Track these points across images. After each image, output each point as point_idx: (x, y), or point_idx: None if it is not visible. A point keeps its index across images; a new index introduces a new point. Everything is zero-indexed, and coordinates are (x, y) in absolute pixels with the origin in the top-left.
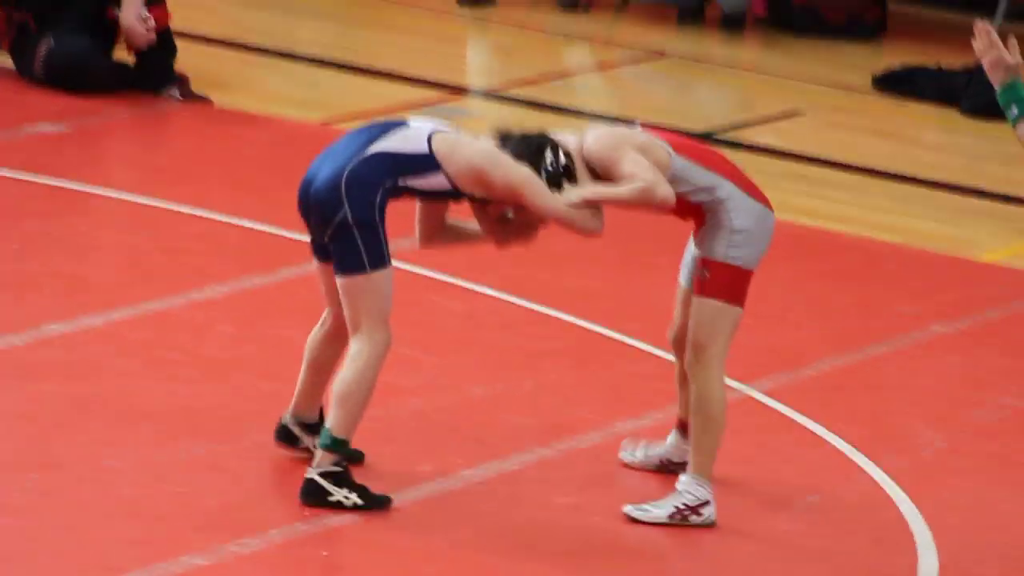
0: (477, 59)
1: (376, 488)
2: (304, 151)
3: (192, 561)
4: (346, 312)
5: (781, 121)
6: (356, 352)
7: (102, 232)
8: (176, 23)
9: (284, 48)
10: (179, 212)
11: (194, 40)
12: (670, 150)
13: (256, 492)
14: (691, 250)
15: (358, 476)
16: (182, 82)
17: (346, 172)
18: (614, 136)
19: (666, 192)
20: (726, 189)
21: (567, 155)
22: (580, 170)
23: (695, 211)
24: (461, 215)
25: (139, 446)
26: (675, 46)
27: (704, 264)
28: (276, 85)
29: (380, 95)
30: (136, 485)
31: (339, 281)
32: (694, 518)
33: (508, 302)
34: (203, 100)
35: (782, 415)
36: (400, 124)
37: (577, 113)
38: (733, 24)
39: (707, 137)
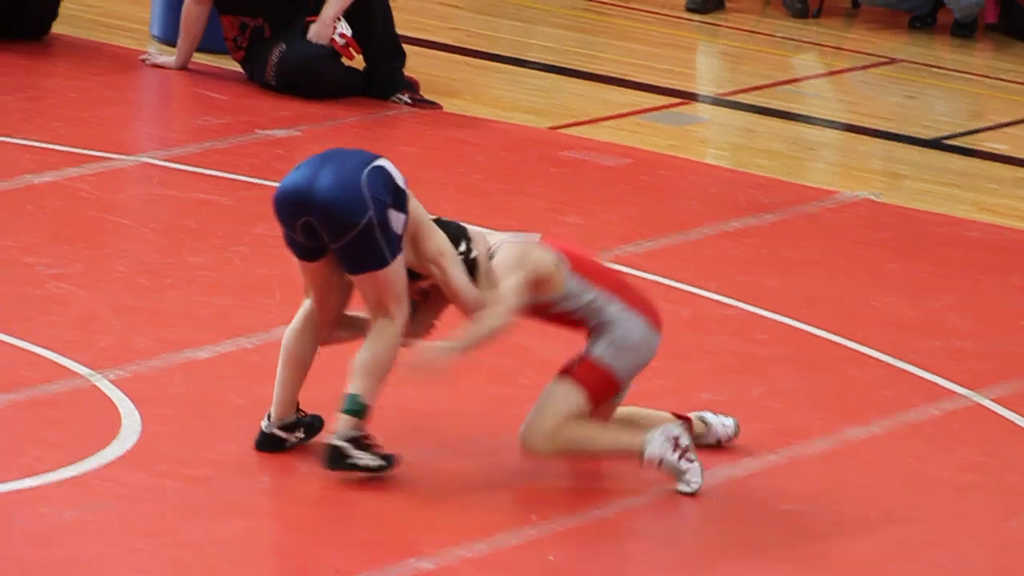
0: (706, 65)
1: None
2: (532, 156)
3: (420, 564)
4: (368, 299)
5: (1013, 127)
6: (382, 327)
7: None
8: (406, 29)
9: (514, 55)
10: None
11: (424, 46)
12: (566, 270)
13: (484, 496)
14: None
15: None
16: (412, 88)
17: (364, 178)
18: (519, 260)
19: (507, 325)
20: (614, 309)
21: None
22: (482, 271)
23: (581, 326)
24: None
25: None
26: (906, 52)
27: (582, 359)
28: (506, 91)
29: (609, 101)
30: (365, 488)
31: (360, 278)
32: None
33: (736, 307)
34: (432, 105)
35: (1011, 423)
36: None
37: (806, 119)
38: (965, 30)
39: (937, 143)
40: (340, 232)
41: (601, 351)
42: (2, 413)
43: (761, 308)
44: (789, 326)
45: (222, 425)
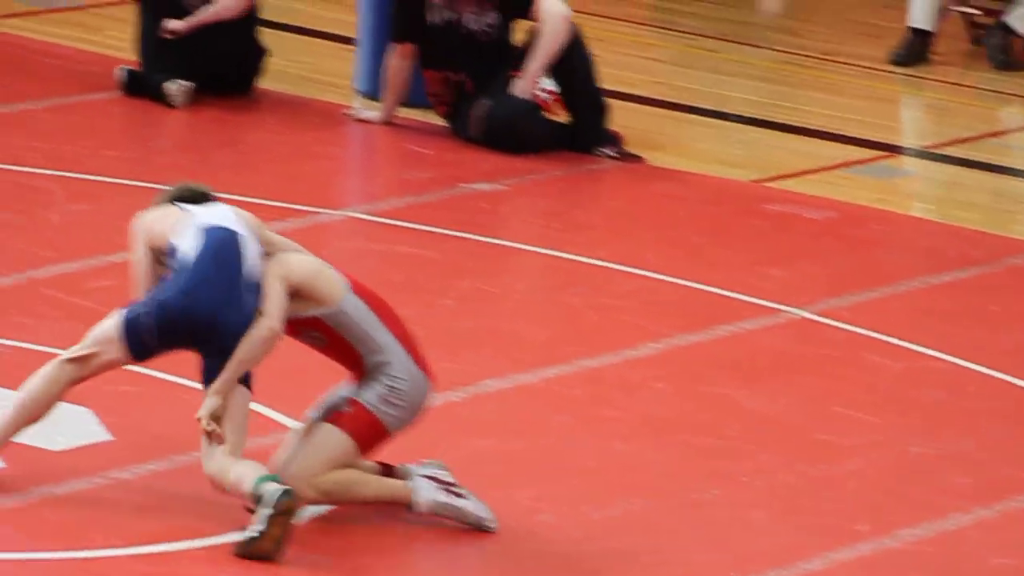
0: (911, 118)
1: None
2: (735, 209)
3: None
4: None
5: None
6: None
7: (535, 290)
8: (609, 83)
9: (717, 107)
10: (612, 269)
11: (627, 99)
12: (344, 287)
13: (686, 548)
14: (338, 392)
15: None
16: (615, 141)
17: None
18: (279, 264)
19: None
20: (395, 350)
21: None
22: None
23: (356, 362)
24: None
25: (575, 503)
26: None
27: (351, 403)
28: (709, 144)
29: (811, 154)
30: (570, 542)
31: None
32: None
33: (944, 360)
34: (635, 159)
35: None
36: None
37: (1013, 172)
38: None
39: None
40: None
41: (375, 399)
42: (184, 475)
43: (969, 361)
44: (998, 379)
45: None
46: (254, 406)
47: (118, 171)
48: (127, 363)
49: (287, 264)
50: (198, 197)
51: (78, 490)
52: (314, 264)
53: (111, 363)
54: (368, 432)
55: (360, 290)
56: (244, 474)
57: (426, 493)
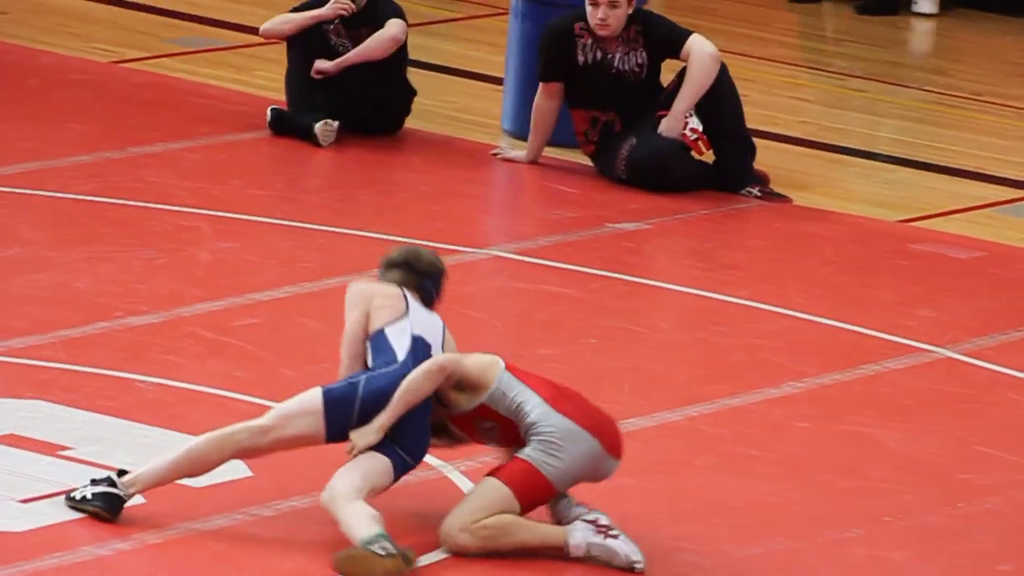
0: None
1: None
2: (882, 249)
3: None
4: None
5: None
6: None
7: (680, 329)
8: (756, 123)
9: (865, 147)
10: (756, 309)
11: (774, 139)
12: (501, 367)
13: None
14: None
15: None
16: (761, 181)
17: None
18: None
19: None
20: (537, 407)
21: None
22: None
23: (515, 433)
24: None
25: (718, 542)
26: None
27: (512, 459)
28: (856, 184)
29: (959, 194)
30: None
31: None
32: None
33: None
34: (782, 199)
35: None
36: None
37: None
38: None
39: None
40: None
41: (531, 450)
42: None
43: None
44: None
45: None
46: None
47: (265, 210)
48: (316, 441)
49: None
50: (423, 274)
51: (219, 526)
52: (485, 357)
53: (295, 439)
54: (525, 481)
55: (508, 365)
56: (360, 524)
57: (581, 535)
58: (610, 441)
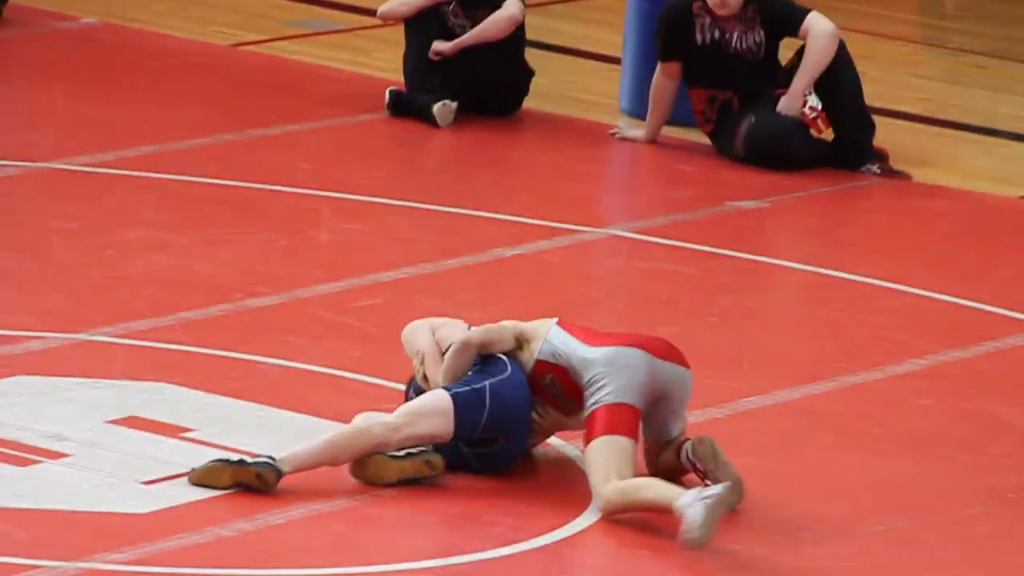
0: None
1: None
2: (1003, 226)
3: None
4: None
5: None
6: None
7: (799, 306)
8: (875, 100)
9: (985, 124)
10: (876, 286)
11: (894, 116)
12: (554, 324)
13: (952, 565)
14: None
15: None
16: (881, 158)
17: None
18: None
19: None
20: (585, 354)
21: None
22: None
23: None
24: None
25: (838, 520)
26: None
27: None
28: (976, 161)
29: None
30: (835, 558)
31: None
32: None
33: None
34: (902, 175)
35: None
36: None
37: None
38: None
39: None
40: None
41: (594, 396)
42: (479, 482)
43: None
44: None
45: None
46: None
47: (384, 191)
48: (442, 438)
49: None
50: None
51: (340, 507)
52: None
53: (424, 436)
54: (608, 420)
55: (561, 322)
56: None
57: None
58: (653, 347)
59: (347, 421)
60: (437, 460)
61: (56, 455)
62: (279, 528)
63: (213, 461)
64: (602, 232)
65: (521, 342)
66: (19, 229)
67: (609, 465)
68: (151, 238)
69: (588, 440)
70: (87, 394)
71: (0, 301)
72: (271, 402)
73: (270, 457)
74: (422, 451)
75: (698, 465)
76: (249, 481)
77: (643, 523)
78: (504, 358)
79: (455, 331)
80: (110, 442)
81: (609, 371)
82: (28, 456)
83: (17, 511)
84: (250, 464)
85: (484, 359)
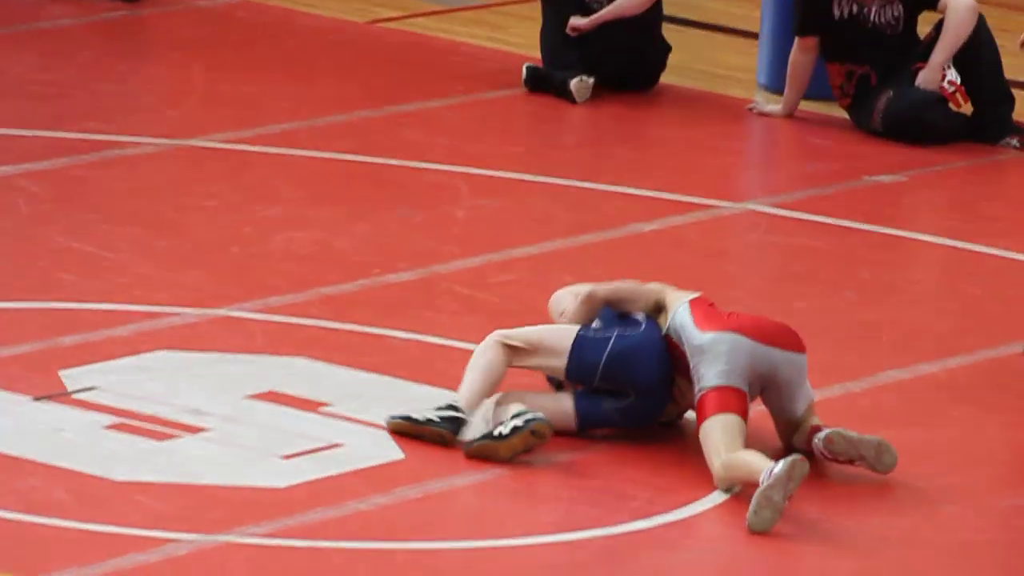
0: None
1: None
2: None
3: None
4: None
5: None
6: None
7: (938, 280)
8: (1016, 73)
9: None
10: (1016, 260)
11: None
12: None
13: None
14: None
15: None
16: (1021, 132)
17: None
18: None
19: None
20: (697, 337)
21: None
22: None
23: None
24: None
25: (979, 493)
26: None
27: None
28: None
29: None
30: (975, 530)
31: None
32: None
33: None
34: None
35: None
36: None
37: None
38: None
39: None
40: None
41: (695, 381)
42: (613, 456)
43: None
44: None
45: (824, 469)
46: None
47: (521, 167)
48: (558, 373)
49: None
50: None
51: (477, 481)
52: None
53: (541, 366)
54: (722, 399)
55: (699, 300)
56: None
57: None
58: (757, 332)
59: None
60: (543, 427)
61: (195, 430)
62: (417, 502)
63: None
64: (739, 207)
65: (660, 308)
66: (159, 206)
67: (719, 442)
68: (289, 214)
69: (699, 423)
70: (226, 369)
71: (140, 277)
72: (409, 377)
73: (451, 406)
74: (527, 421)
75: (840, 459)
76: (426, 437)
77: None
78: (643, 319)
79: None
80: (249, 417)
81: (710, 357)
82: (167, 431)
83: (156, 485)
84: (433, 423)
85: (623, 316)
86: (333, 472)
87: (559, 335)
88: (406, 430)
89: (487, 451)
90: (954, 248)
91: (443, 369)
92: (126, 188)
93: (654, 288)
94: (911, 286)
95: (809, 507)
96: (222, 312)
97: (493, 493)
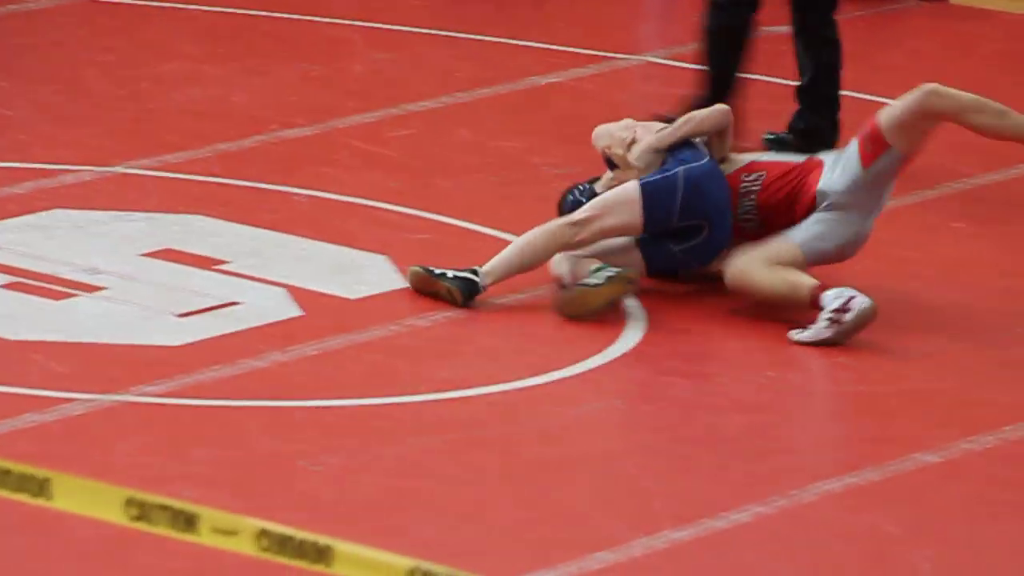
0: None
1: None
2: None
3: (924, 459)
4: None
5: None
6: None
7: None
8: None
9: None
10: None
11: None
12: None
13: (978, 388)
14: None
15: None
16: None
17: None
18: None
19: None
20: None
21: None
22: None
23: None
24: None
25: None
26: None
27: None
28: None
29: None
30: (871, 382)
31: None
32: (847, 316)
33: None
34: None
35: None
36: None
37: None
38: None
39: None
40: None
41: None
42: (512, 312)
43: None
44: None
45: (723, 321)
46: None
47: (419, 20)
48: (634, 231)
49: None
50: None
51: (374, 337)
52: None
53: (613, 229)
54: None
55: None
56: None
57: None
58: None
59: (380, 251)
60: (634, 275)
61: (91, 288)
62: (314, 359)
63: (416, 269)
64: (636, 59)
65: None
66: (55, 63)
67: (773, 261)
68: (187, 70)
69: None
70: (122, 227)
71: (36, 135)
72: (306, 233)
73: (472, 271)
74: (618, 272)
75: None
76: (440, 293)
77: (673, 352)
78: (701, 147)
79: (647, 132)
80: (145, 275)
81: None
82: (64, 290)
83: (53, 344)
84: (446, 278)
85: (678, 147)
86: (230, 330)
87: (621, 191)
88: (422, 282)
89: (579, 299)
90: (852, 98)
91: (340, 225)
92: (22, 44)
93: (713, 112)
94: None
95: (710, 363)
96: (118, 169)
97: (390, 350)
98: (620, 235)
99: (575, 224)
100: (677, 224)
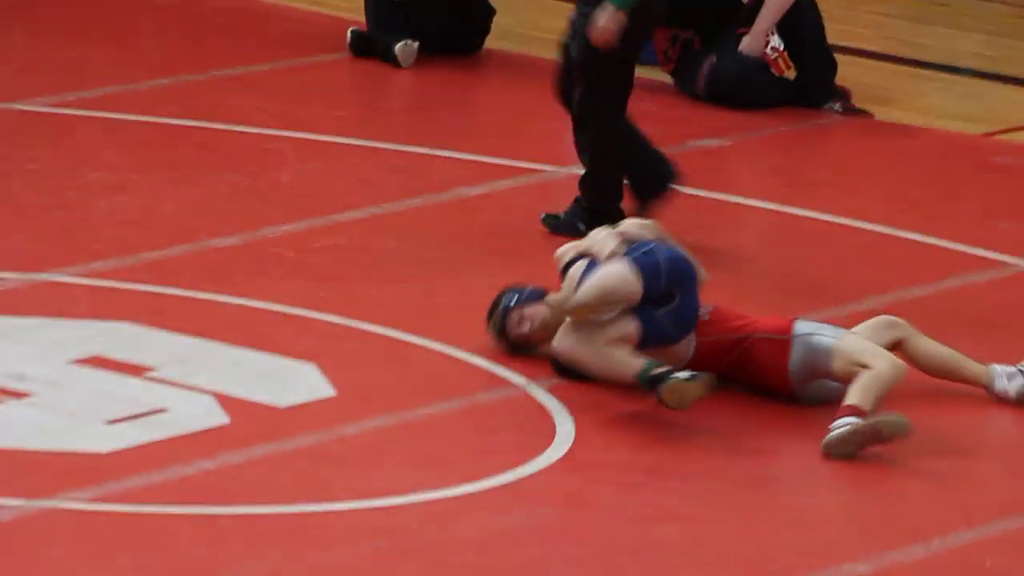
0: None
1: None
2: (965, 163)
3: (854, 568)
4: None
5: None
6: None
7: (762, 245)
8: (837, 38)
9: (946, 61)
10: (839, 224)
11: (856, 55)
12: None
13: (918, 501)
14: None
15: None
16: (843, 97)
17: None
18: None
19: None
20: None
21: None
22: None
23: None
24: None
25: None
26: None
27: None
28: (938, 98)
29: None
30: (800, 495)
31: None
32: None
33: None
34: (863, 114)
35: None
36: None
37: None
38: None
39: None
40: None
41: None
42: (441, 421)
43: None
44: None
45: (651, 429)
46: None
47: (346, 131)
48: (634, 301)
49: None
50: None
51: (303, 445)
52: None
53: (620, 303)
54: None
55: None
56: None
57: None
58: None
59: (309, 359)
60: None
61: (19, 394)
62: (241, 467)
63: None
64: (564, 171)
65: None
66: None
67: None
68: (113, 179)
69: None
70: (50, 334)
71: None
72: (234, 341)
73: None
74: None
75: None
76: None
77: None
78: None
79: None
80: (73, 382)
81: None
82: None
83: None
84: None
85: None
86: (157, 437)
87: (615, 271)
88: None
89: (681, 390)
90: (778, 212)
91: (269, 333)
92: None
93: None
94: (736, 250)
95: (639, 472)
96: (46, 277)
97: (317, 458)
98: (628, 305)
99: (580, 307)
100: (664, 290)
